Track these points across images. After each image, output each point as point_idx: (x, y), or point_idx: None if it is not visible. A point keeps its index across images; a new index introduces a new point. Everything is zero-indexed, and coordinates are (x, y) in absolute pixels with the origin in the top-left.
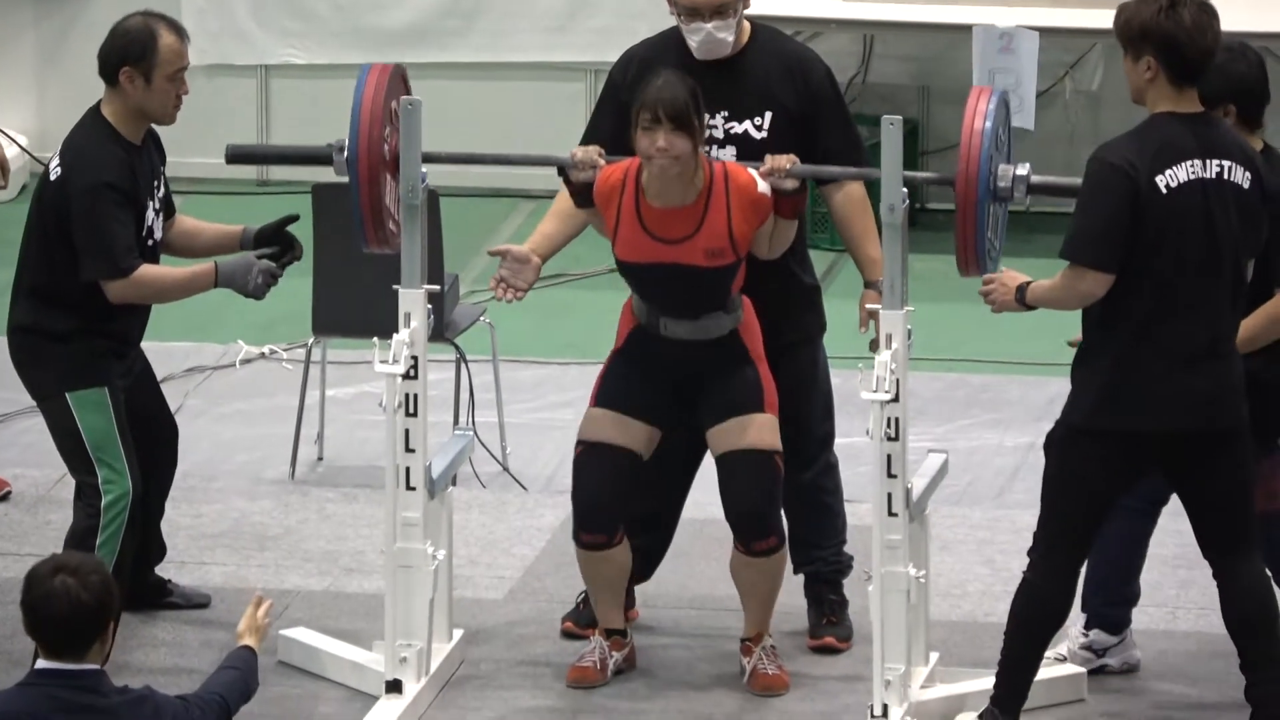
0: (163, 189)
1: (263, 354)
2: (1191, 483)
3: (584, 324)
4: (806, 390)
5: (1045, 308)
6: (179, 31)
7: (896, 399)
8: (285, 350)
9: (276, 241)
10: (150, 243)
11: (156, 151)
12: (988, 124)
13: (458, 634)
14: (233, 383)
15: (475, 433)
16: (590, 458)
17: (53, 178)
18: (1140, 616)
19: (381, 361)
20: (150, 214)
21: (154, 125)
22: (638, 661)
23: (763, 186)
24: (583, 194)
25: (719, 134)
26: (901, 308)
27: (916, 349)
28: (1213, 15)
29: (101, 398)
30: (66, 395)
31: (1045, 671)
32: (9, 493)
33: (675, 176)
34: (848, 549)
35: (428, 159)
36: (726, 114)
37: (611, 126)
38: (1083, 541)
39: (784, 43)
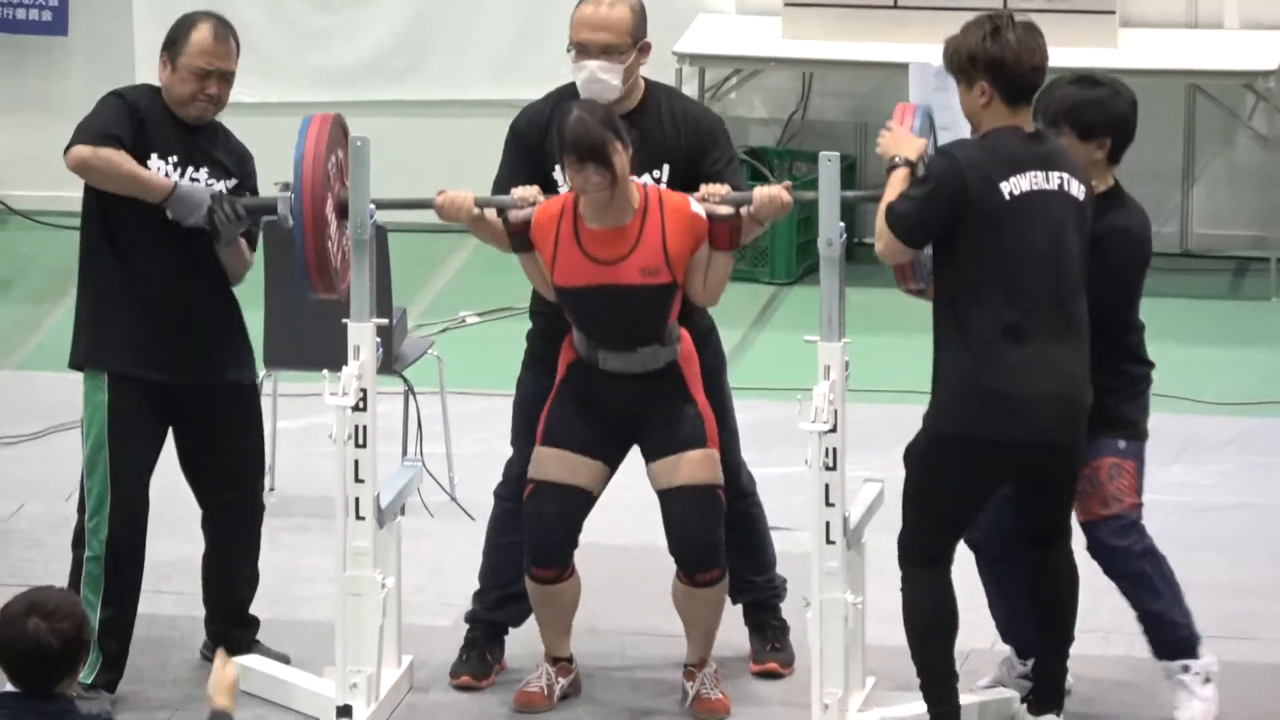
0: (217, 186)
1: None
2: (1034, 481)
3: None
4: (720, 423)
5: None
6: (219, 34)
7: (834, 429)
8: None
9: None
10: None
11: (223, 150)
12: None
13: (407, 660)
14: None
15: (423, 463)
16: (542, 497)
17: None
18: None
19: (331, 394)
20: (165, 169)
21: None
22: (582, 688)
23: (696, 208)
24: (520, 235)
25: None
26: (839, 340)
27: (854, 380)
28: (1038, 34)
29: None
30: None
31: (979, 695)
32: None
33: (611, 198)
34: (781, 572)
35: (375, 203)
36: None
37: (522, 178)
38: (954, 544)
39: (679, 99)
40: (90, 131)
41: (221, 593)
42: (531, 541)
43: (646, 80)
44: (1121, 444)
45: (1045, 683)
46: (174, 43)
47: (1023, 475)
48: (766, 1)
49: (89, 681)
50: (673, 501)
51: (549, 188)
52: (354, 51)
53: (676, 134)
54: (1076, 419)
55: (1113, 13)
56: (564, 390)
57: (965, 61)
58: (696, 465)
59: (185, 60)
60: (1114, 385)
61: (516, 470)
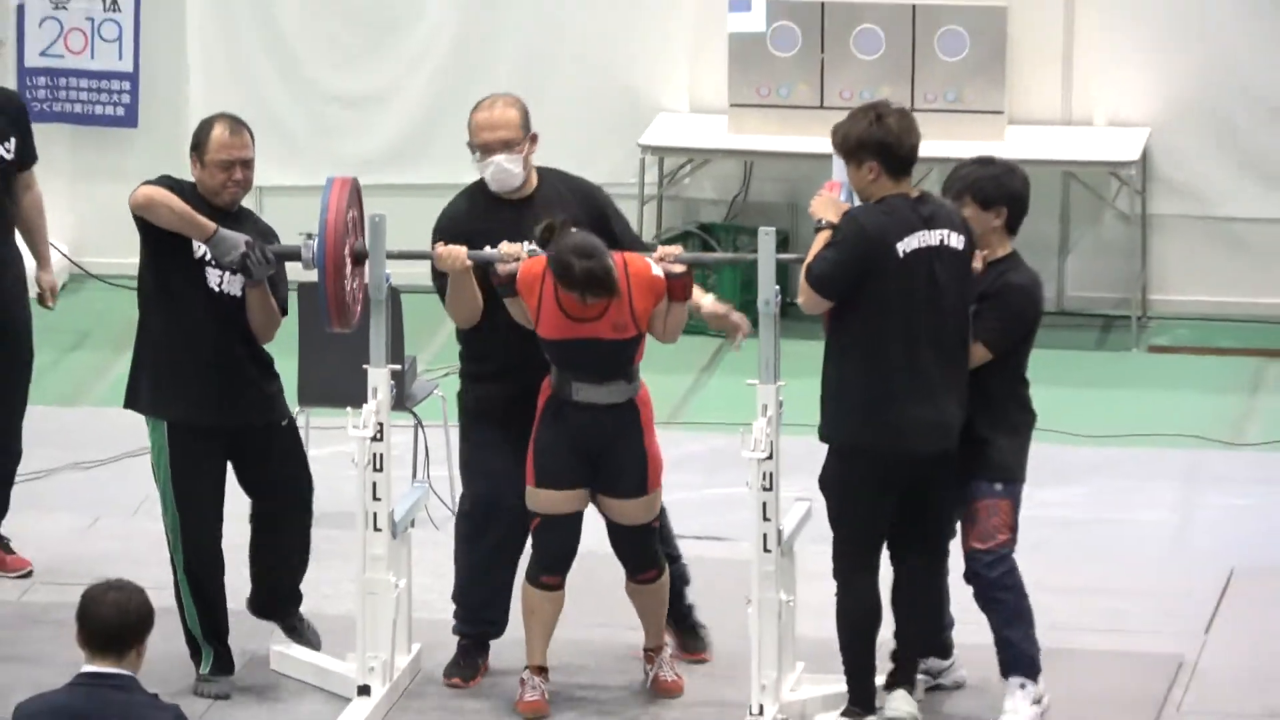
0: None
1: None
2: (917, 495)
3: None
4: None
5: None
6: (233, 129)
7: (771, 457)
8: None
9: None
10: (218, 290)
11: (251, 230)
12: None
13: (416, 647)
14: None
15: (430, 484)
16: (547, 527)
17: None
18: (975, 635)
19: (354, 427)
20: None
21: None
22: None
23: (656, 270)
24: (506, 285)
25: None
26: (775, 383)
27: (787, 416)
28: (912, 118)
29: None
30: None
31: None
32: (30, 571)
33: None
34: (723, 576)
35: (388, 254)
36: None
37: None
38: (875, 558)
39: (564, 176)
40: (152, 182)
41: (274, 573)
42: (541, 558)
43: (538, 168)
44: (999, 487)
45: (900, 666)
46: (198, 144)
47: (904, 485)
48: (715, 103)
49: (206, 672)
50: (615, 533)
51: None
52: (371, 141)
53: (576, 203)
54: (949, 438)
55: (1001, 112)
56: (543, 429)
57: (854, 145)
58: (635, 510)
59: (210, 157)
60: (1000, 429)
61: (466, 508)
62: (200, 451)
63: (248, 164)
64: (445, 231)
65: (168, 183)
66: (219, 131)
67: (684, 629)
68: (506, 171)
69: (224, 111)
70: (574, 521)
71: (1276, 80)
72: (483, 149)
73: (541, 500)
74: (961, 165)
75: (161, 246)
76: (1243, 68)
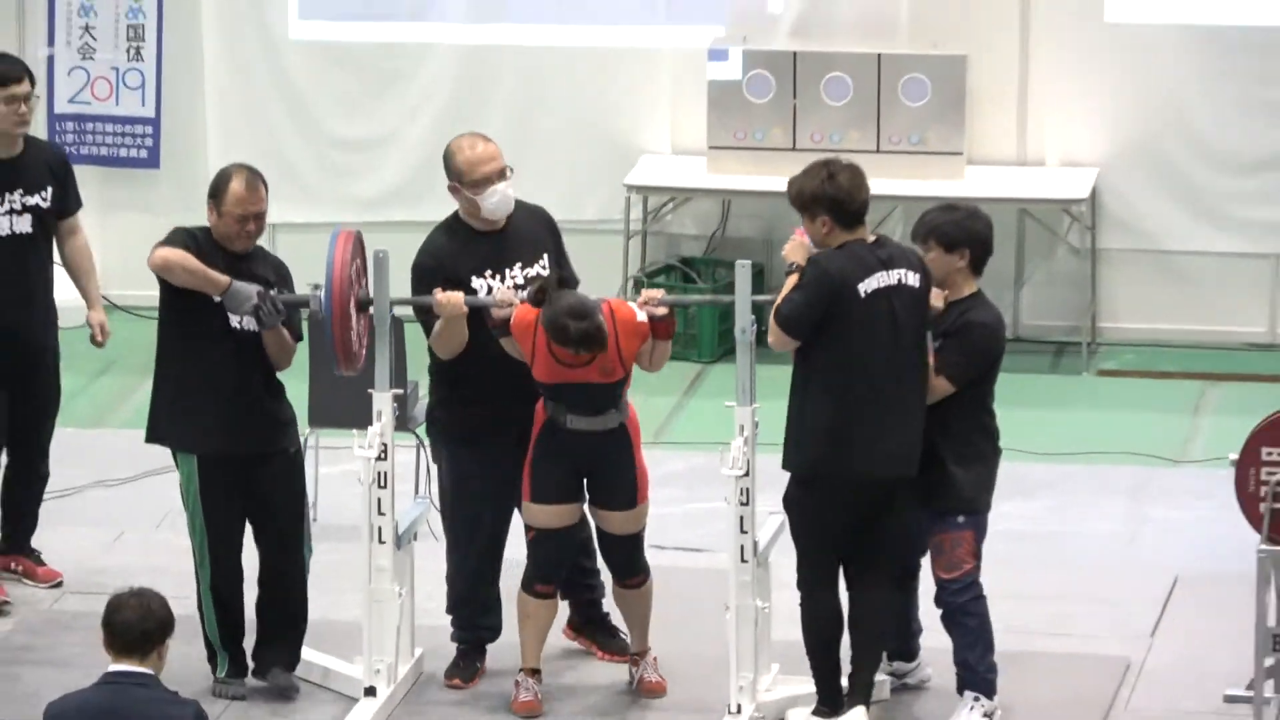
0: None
1: None
2: (877, 520)
3: None
4: None
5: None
6: (250, 185)
7: (747, 474)
8: None
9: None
10: (239, 327)
11: (263, 267)
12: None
13: (418, 652)
14: None
15: (430, 500)
16: (542, 540)
17: None
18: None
19: (360, 447)
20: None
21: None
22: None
23: (641, 316)
24: (501, 327)
25: (519, 279)
26: (750, 405)
27: (763, 436)
28: (861, 173)
29: (189, 466)
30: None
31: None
32: (60, 582)
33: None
34: (704, 585)
35: (392, 301)
36: (521, 263)
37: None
38: (835, 572)
39: (527, 205)
40: (167, 242)
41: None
42: (536, 568)
43: None
44: (961, 519)
45: (854, 683)
46: (216, 194)
47: (864, 509)
48: (695, 145)
49: (223, 675)
50: (605, 541)
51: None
52: (375, 182)
53: (540, 228)
54: (908, 465)
55: (961, 154)
56: (539, 449)
57: (808, 200)
58: (626, 521)
59: (226, 209)
60: (963, 461)
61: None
62: (225, 480)
63: (261, 216)
64: (432, 267)
65: (182, 238)
66: (236, 186)
67: (602, 632)
68: (508, 198)
69: (242, 163)
70: (567, 534)
71: (1216, 124)
72: (483, 181)
73: (537, 515)
74: (928, 211)
75: (180, 292)
76: (1185, 113)
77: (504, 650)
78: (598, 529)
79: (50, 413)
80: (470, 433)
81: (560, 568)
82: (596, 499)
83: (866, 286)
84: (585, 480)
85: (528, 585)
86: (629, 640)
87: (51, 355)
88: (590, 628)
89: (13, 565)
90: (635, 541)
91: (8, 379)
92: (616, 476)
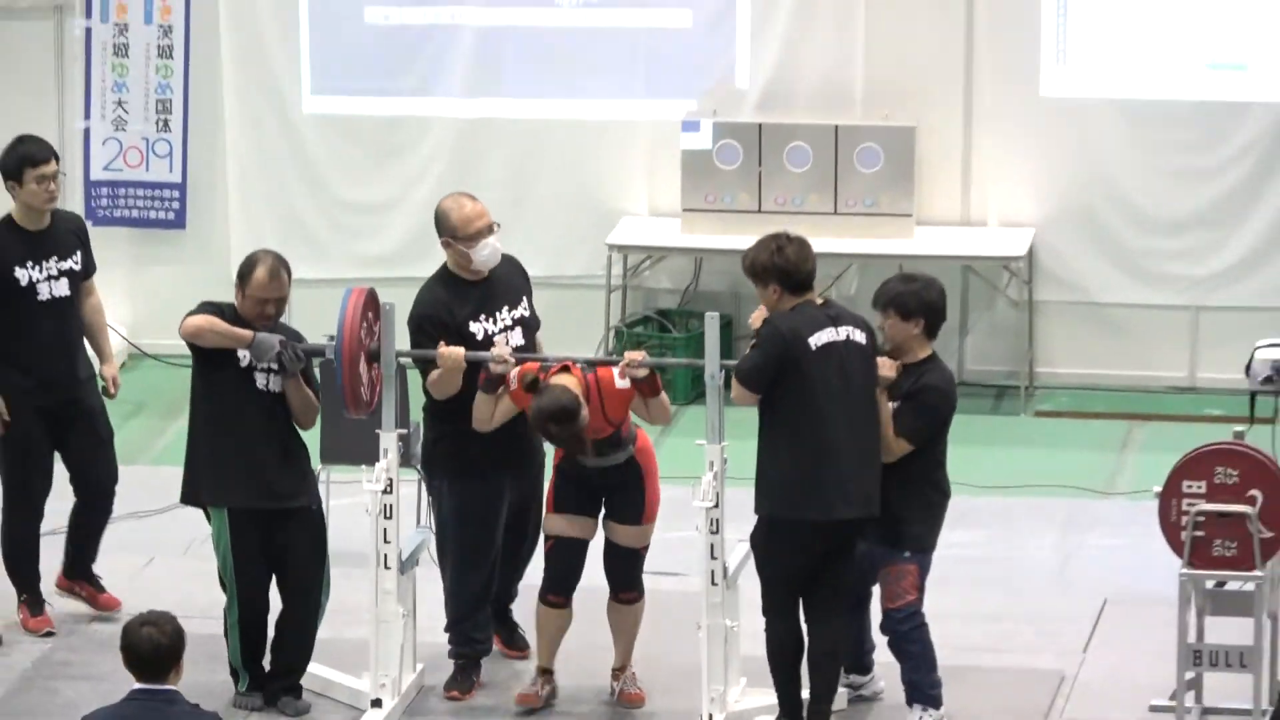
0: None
1: None
2: (833, 558)
3: None
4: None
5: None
6: (273, 273)
7: (717, 505)
8: None
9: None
10: (264, 389)
11: (281, 334)
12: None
13: (419, 667)
14: None
15: (432, 529)
16: (558, 547)
17: None
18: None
19: (368, 481)
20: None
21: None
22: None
23: (621, 382)
24: (492, 382)
25: (507, 321)
26: (720, 443)
27: (731, 471)
28: (808, 246)
29: (220, 519)
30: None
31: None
32: (117, 611)
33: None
34: (678, 607)
35: (398, 354)
36: (508, 306)
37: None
38: (796, 602)
39: (505, 256)
40: (195, 312)
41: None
42: (550, 579)
43: None
44: (907, 554)
45: (813, 712)
46: (243, 277)
47: (822, 548)
48: (670, 208)
49: (243, 690)
50: (611, 552)
51: (466, 343)
52: (383, 241)
53: (518, 275)
54: (865, 505)
55: (910, 215)
56: (561, 471)
57: (760, 270)
58: (632, 535)
59: (250, 293)
60: (914, 508)
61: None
62: (253, 531)
63: (281, 300)
64: (433, 316)
65: (209, 309)
66: (260, 274)
67: (510, 628)
68: (496, 250)
69: (270, 250)
70: (580, 547)
71: (1141, 189)
72: (476, 235)
73: (556, 524)
74: (888, 281)
75: (211, 360)
76: (1113, 178)
77: (498, 664)
78: (605, 541)
79: (103, 453)
80: (464, 465)
81: (571, 578)
82: (609, 513)
83: (816, 340)
84: (603, 499)
85: (542, 596)
86: (534, 650)
87: (97, 405)
88: (508, 630)
89: (76, 589)
90: (636, 558)
91: (59, 428)
92: (628, 496)
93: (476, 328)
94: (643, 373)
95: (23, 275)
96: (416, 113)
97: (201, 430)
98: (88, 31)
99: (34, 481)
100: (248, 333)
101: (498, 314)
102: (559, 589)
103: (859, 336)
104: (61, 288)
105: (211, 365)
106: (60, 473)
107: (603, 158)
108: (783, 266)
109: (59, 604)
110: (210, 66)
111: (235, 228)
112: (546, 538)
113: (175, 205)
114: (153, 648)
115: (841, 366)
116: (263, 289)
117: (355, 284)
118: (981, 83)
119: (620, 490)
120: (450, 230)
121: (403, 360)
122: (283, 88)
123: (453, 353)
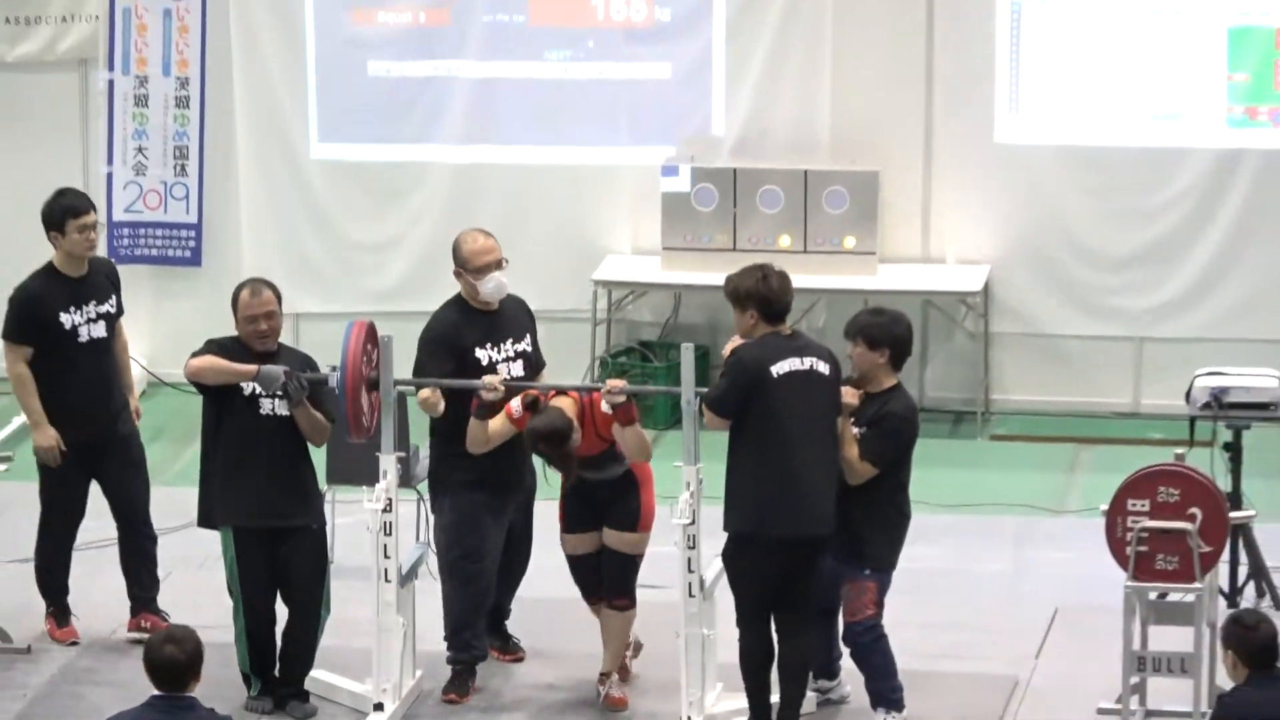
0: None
1: None
2: (798, 573)
3: None
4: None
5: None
6: (254, 291)
7: (694, 522)
8: None
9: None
10: (270, 414)
11: (287, 362)
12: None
13: (418, 673)
14: None
15: (429, 545)
16: (576, 563)
17: None
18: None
19: (370, 501)
20: (260, 396)
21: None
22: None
23: (605, 408)
24: (485, 408)
25: (510, 352)
26: (695, 464)
27: (706, 490)
28: (788, 279)
29: (227, 539)
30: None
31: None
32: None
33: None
34: (655, 617)
35: (396, 381)
36: (512, 339)
37: (435, 366)
38: (766, 613)
39: (512, 295)
40: (196, 354)
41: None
42: (580, 588)
43: None
44: (867, 571)
45: (780, 718)
46: (233, 304)
47: (789, 564)
48: (651, 246)
49: (254, 695)
50: (607, 556)
51: (470, 366)
52: (385, 277)
53: (524, 314)
54: (826, 523)
55: (874, 253)
56: (568, 491)
57: (742, 296)
58: (626, 542)
59: (241, 315)
60: (876, 528)
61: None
62: (256, 547)
63: (271, 315)
64: (442, 337)
65: (213, 347)
66: (244, 295)
67: (504, 637)
68: (502, 284)
69: (255, 277)
70: (590, 560)
71: (1088, 228)
72: (484, 269)
73: (567, 542)
74: (860, 313)
75: (217, 393)
76: (1062, 218)
77: (492, 670)
78: (602, 547)
79: (140, 480)
80: (468, 481)
81: (592, 585)
82: (606, 521)
83: (779, 369)
84: (603, 511)
85: (584, 598)
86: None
87: (131, 431)
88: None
89: (143, 624)
90: (630, 564)
91: (94, 457)
92: (622, 505)
93: (482, 354)
94: (620, 399)
95: (66, 320)
96: (416, 158)
97: (211, 456)
98: (110, 83)
99: (68, 507)
100: (251, 367)
101: (503, 344)
102: (587, 595)
103: (822, 367)
104: (99, 330)
105: (216, 400)
106: (96, 495)
107: (589, 200)
108: (765, 294)
109: (85, 617)
110: (224, 115)
111: (248, 265)
112: (568, 556)
113: (192, 244)
114: (173, 664)
115: (805, 393)
116: (248, 307)
117: (358, 317)
118: (940, 130)
119: (616, 500)
120: (461, 261)
121: (401, 388)
122: (292, 135)
123: (433, 399)
